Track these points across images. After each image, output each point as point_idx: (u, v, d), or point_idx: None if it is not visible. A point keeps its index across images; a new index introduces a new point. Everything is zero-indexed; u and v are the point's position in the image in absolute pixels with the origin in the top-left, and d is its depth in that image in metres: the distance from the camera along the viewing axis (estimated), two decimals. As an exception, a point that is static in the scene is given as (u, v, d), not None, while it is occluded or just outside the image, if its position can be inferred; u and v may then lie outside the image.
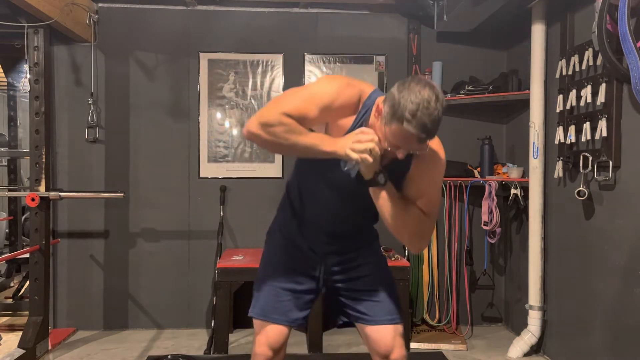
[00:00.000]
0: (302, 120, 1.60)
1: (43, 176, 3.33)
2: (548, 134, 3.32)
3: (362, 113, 1.69)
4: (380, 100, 1.64)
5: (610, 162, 2.63)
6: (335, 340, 3.66)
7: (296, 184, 1.94)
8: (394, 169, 1.69)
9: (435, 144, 1.69)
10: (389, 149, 1.58)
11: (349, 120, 1.70)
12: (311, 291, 1.96)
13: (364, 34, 4.03)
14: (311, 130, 1.65)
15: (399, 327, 1.91)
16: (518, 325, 3.72)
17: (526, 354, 3.41)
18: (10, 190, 4.89)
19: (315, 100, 1.62)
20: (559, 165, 3.10)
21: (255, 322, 1.92)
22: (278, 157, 4.01)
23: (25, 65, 3.39)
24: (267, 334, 1.88)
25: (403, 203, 1.70)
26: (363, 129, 1.61)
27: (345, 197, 1.81)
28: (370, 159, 1.55)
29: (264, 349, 1.87)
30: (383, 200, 1.68)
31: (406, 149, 1.58)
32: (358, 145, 1.55)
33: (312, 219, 1.91)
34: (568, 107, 3.03)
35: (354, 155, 1.55)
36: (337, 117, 1.70)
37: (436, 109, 1.49)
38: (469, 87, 3.78)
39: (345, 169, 1.61)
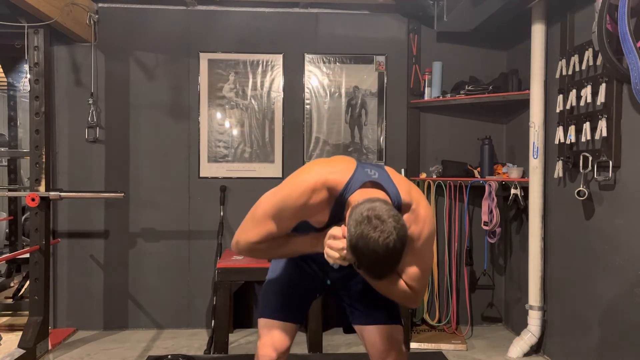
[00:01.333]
0: (276, 236, 1.70)
1: (43, 176, 3.34)
2: (548, 134, 3.32)
3: (335, 211, 1.66)
4: (350, 206, 1.58)
5: (610, 162, 2.63)
6: (335, 340, 3.66)
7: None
8: None
9: (419, 218, 1.65)
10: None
11: (325, 215, 1.69)
12: (313, 290, 2.01)
13: (364, 34, 4.03)
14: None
15: (397, 329, 1.90)
16: (518, 325, 3.72)
17: (526, 354, 3.41)
18: (10, 190, 4.89)
19: (283, 215, 1.66)
20: (559, 165, 3.10)
21: (261, 323, 1.92)
22: (278, 158, 4.02)
23: (25, 65, 3.40)
24: (273, 335, 1.88)
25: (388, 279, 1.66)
26: (334, 233, 1.58)
27: None
28: (344, 263, 1.58)
29: (269, 350, 1.86)
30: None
31: None
32: (330, 252, 1.58)
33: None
34: (568, 107, 3.03)
35: (331, 260, 1.60)
36: (311, 217, 1.70)
37: (392, 256, 1.45)
38: (469, 87, 3.78)
39: (330, 264, 1.67)
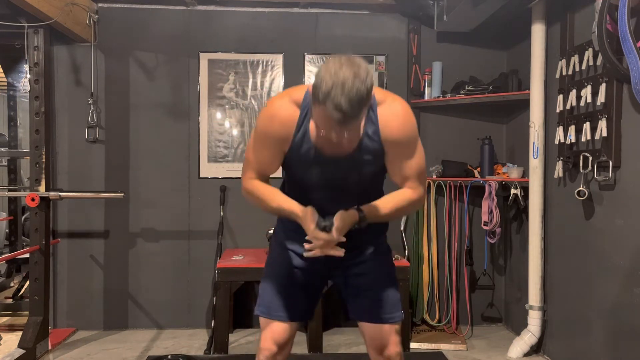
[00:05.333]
0: (266, 169, 1.87)
1: (43, 176, 3.33)
2: (548, 134, 3.32)
3: (303, 115, 1.70)
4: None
5: (610, 162, 2.63)
6: (335, 340, 3.66)
7: (289, 191, 1.96)
8: (364, 155, 1.71)
9: (398, 119, 1.67)
10: (322, 133, 1.55)
11: (291, 129, 1.72)
12: (315, 286, 1.99)
13: (364, 34, 4.03)
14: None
15: (396, 326, 1.92)
16: (518, 325, 3.73)
17: (526, 354, 3.41)
18: (10, 190, 4.89)
19: (260, 142, 1.78)
20: (559, 165, 3.11)
21: (261, 318, 1.94)
22: (278, 157, 4.01)
23: (25, 65, 3.39)
24: (273, 329, 1.89)
25: (388, 208, 1.78)
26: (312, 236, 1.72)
27: (337, 194, 1.80)
28: (331, 249, 1.72)
29: (270, 344, 1.88)
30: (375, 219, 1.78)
31: (334, 131, 1.52)
32: (316, 243, 1.71)
33: None
34: (568, 107, 3.03)
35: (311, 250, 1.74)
36: (288, 135, 1.72)
37: (353, 88, 1.41)
38: (469, 87, 3.78)
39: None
